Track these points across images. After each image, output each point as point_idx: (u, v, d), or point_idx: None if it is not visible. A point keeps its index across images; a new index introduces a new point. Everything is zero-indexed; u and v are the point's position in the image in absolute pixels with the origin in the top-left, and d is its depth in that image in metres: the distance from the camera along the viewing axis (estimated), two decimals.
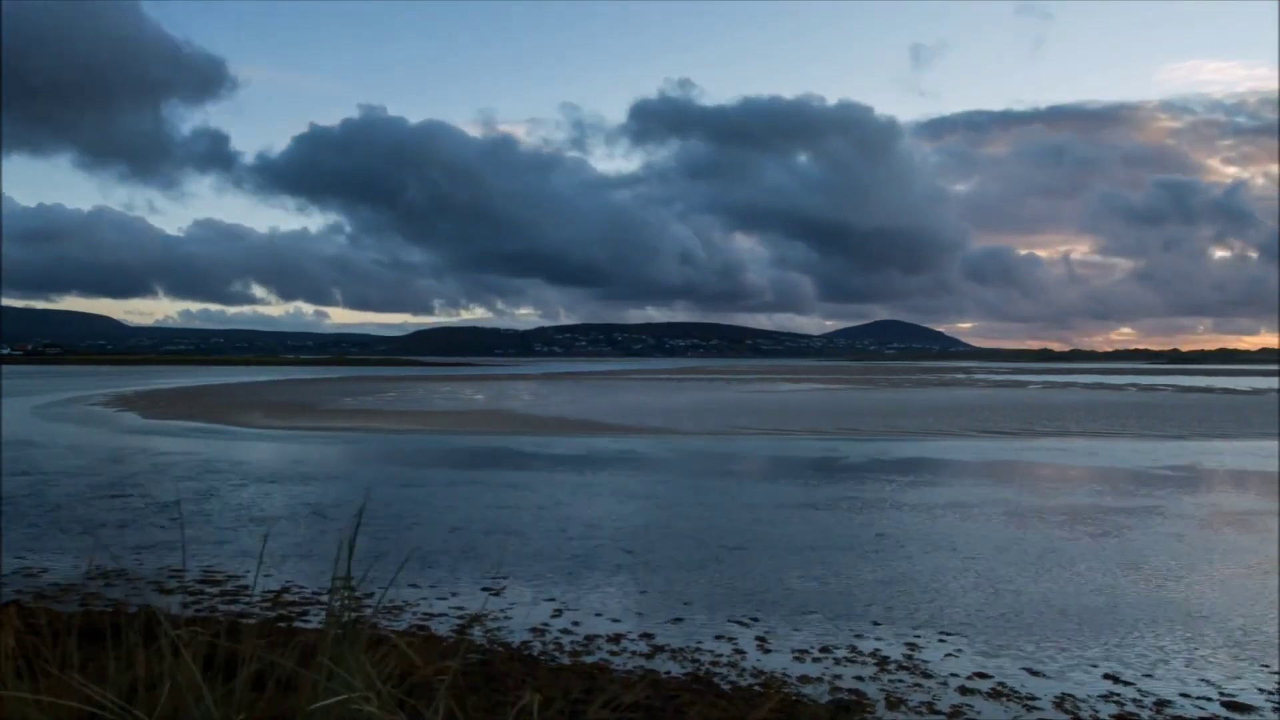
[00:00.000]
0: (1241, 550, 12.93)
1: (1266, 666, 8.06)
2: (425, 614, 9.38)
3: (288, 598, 9.89)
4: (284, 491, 17.70)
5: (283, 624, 8.46)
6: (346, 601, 3.78)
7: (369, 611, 4.43)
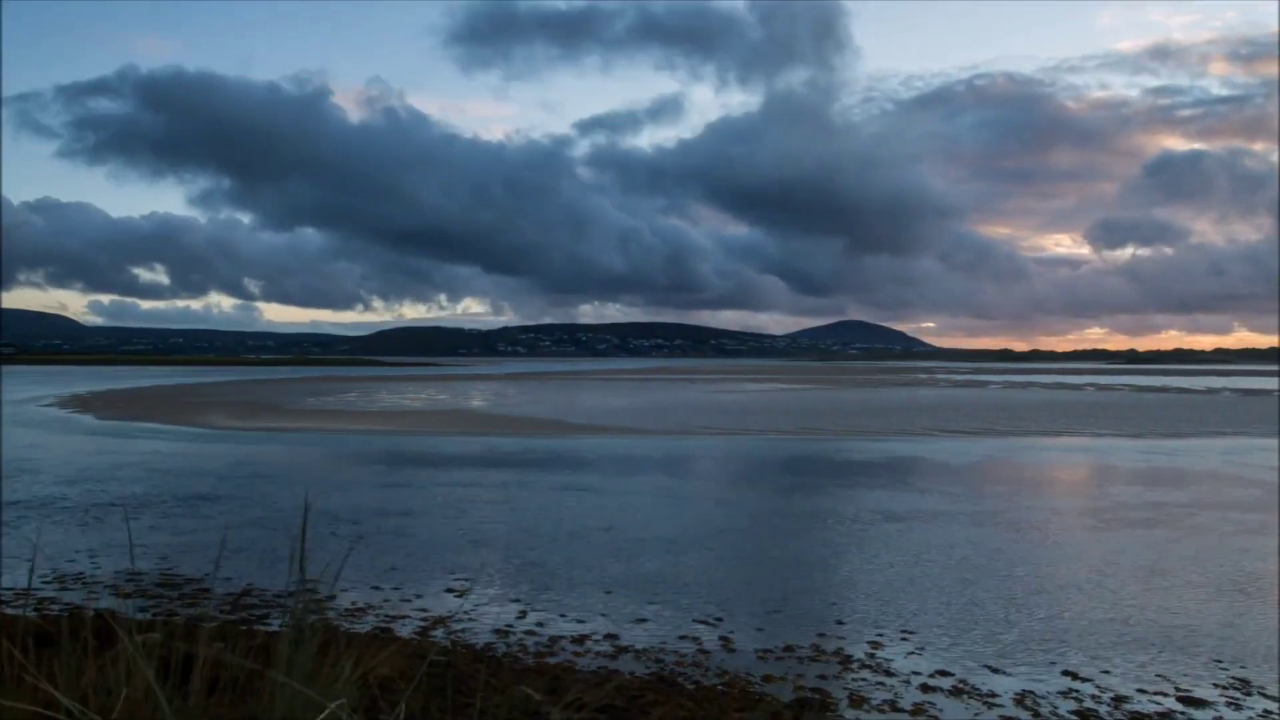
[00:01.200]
0: (1196, 547, 13.14)
1: (1218, 662, 8.21)
2: (388, 616, 9.30)
3: (249, 600, 9.77)
4: (249, 493, 17.48)
5: (243, 626, 8.36)
6: (308, 604, 3.74)
7: (331, 614, 4.40)
